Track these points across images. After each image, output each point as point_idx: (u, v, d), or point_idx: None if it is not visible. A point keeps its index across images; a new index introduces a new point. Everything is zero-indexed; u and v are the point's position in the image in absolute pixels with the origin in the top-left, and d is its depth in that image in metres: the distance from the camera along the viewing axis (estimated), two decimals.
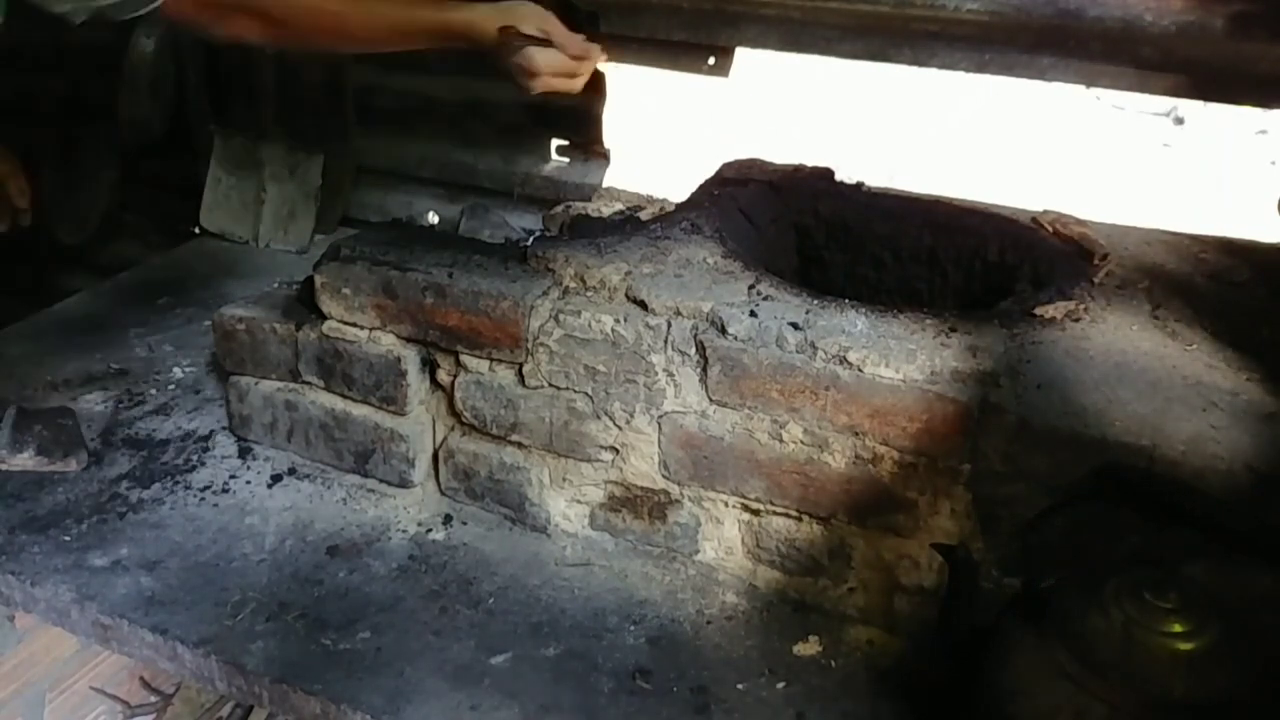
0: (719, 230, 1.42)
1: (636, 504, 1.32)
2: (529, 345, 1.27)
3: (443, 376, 1.37)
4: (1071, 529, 1.10)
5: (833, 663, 1.19)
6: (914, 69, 1.79)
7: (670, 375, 1.24)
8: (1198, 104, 1.69)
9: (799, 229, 1.61)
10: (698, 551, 1.32)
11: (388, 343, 1.36)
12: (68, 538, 1.32)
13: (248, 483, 1.44)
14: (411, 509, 1.40)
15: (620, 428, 1.28)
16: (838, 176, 1.64)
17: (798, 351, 1.17)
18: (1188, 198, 1.76)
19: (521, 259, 1.34)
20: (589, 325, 1.24)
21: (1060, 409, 1.10)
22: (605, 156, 2.09)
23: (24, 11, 1.23)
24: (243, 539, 1.34)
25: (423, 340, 1.34)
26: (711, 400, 1.23)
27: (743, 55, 1.92)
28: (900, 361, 1.14)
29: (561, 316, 1.25)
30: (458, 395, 1.35)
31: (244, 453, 1.49)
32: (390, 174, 2.28)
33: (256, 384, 1.47)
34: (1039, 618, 0.96)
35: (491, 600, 1.26)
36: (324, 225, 2.25)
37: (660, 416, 1.26)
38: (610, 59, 1.71)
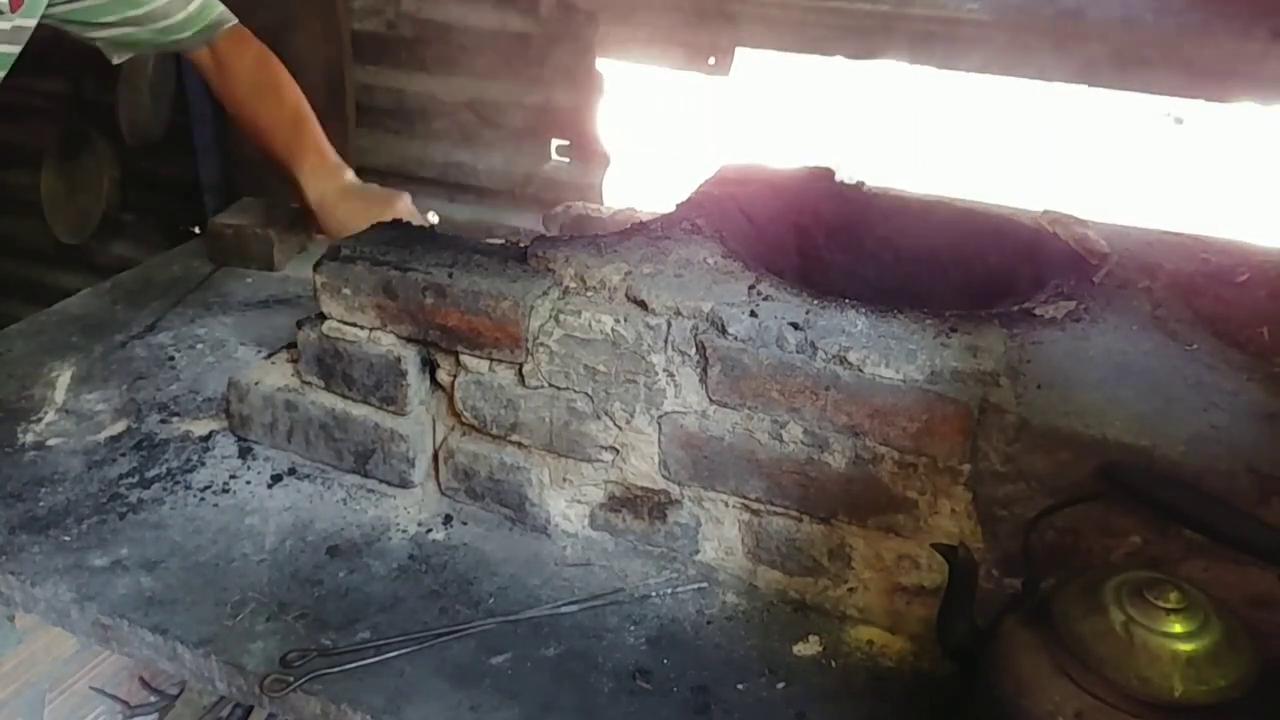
0: (719, 230, 1.42)
1: (636, 504, 1.32)
2: (529, 345, 1.27)
3: (443, 376, 1.37)
4: (1071, 529, 1.10)
5: (833, 663, 1.19)
6: (914, 69, 1.79)
7: (670, 375, 1.24)
8: (1198, 104, 1.69)
9: (799, 229, 1.61)
10: (698, 551, 1.32)
11: (388, 343, 1.36)
12: (68, 538, 1.32)
13: (248, 483, 1.44)
14: (411, 509, 1.40)
15: (620, 428, 1.28)
16: (838, 176, 1.64)
17: (798, 351, 1.17)
18: (1188, 198, 1.76)
19: (521, 259, 1.34)
20: (589, 325, 1.24)
21: (1060, 409, 1.10)
22: (605, 156, 2.09)
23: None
24: (243, 539, 1.34)
25: (423, 340, 1.34)
26: (711, 400, 1.23)
27: (743, 55, 1.92)
28: (900, 361, 1.14)
29: (561, 316, 1.26)
30: (458, 395, 1.35)
31: (244, 453, 1.49)
32: (390, 174, 2.28)
33: (256, 384, 1.47)
34: (1039, 618, 0.96)
35: (491, 600, 1.26)
36: None
37: (660, 416, 1.26)
38: (611, 57, 1.73)
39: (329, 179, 1.79)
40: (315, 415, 1.43)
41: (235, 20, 1.76)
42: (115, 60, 1.72)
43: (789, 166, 1.66)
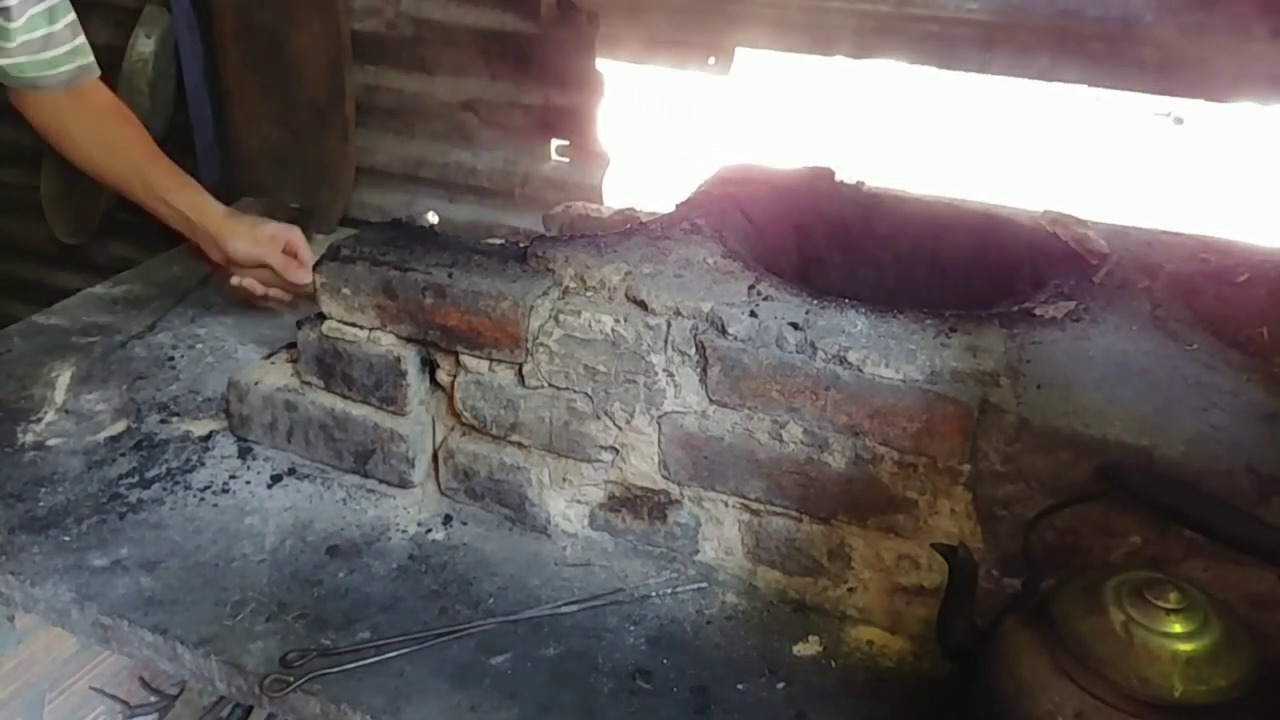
0: (719, 230, 1.42)
1: (636, 504, 1.32)
2: (529, 345, 1.27)
3: (443, 376, 1.37)
4: (1071, 529, 1.10)
5: (833, 663, 1.19)
6: (914, 69, 1.79)
7: (670, 375, 1.24)
8: (1198, 104, 1.69)
9: (799, 229, 1.61)
10: (698, 551, 1.32)
11: (388, 343, 1.36)
12: (68, 538, 1.32)
13: (248, 483, 1.44)
14: (411, 509, 1.40)
15: (620, 428, 1.28)
16: (838, 176, 1.64)
17: (798, 351, 1.17)
18: (1188, 198, 1.76)
19: (521, 259, 1.34)
20: (589, 325, 1.24)
21: (1060, 409, 1.10)
22: (605, 157, 2.09)
23: None
24: (243, 539, 1.34)
25: (423, 340, 1.34)
26: (711, 400, 1.23)
27: (743, 55, 1.92)
28: (900, 361, 1.14)
29: (561, 316, 1.26)
30: (458, 395, 1.35)
31: (244, 453, 1.49)
32: (390, 174, 2.28)
33: (256, 384, 1.47)
34: (1039, 618, 0.96)
35: (491, 600, 1.26)
36: (324, 225, 2.25)
37: (660, 416, 1.26)
38: (611, 57, 1.74)
39: (210, 198, 1.76)
40: (315, 415, 1.43)
41: (99, 73, 1.74)
42: None
43: (789, 166, 1.66)
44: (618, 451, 1.30)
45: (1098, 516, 1.09)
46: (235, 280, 1.74)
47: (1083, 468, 1.08)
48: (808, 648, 1.21)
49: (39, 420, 1.55)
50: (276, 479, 1.45)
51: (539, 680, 1.14)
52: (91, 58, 1.70)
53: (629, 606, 1.26)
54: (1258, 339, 1.25)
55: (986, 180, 1.80)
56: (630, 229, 1.41)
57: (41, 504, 1.37)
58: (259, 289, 1.75)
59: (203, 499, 1.40)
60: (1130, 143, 1.80)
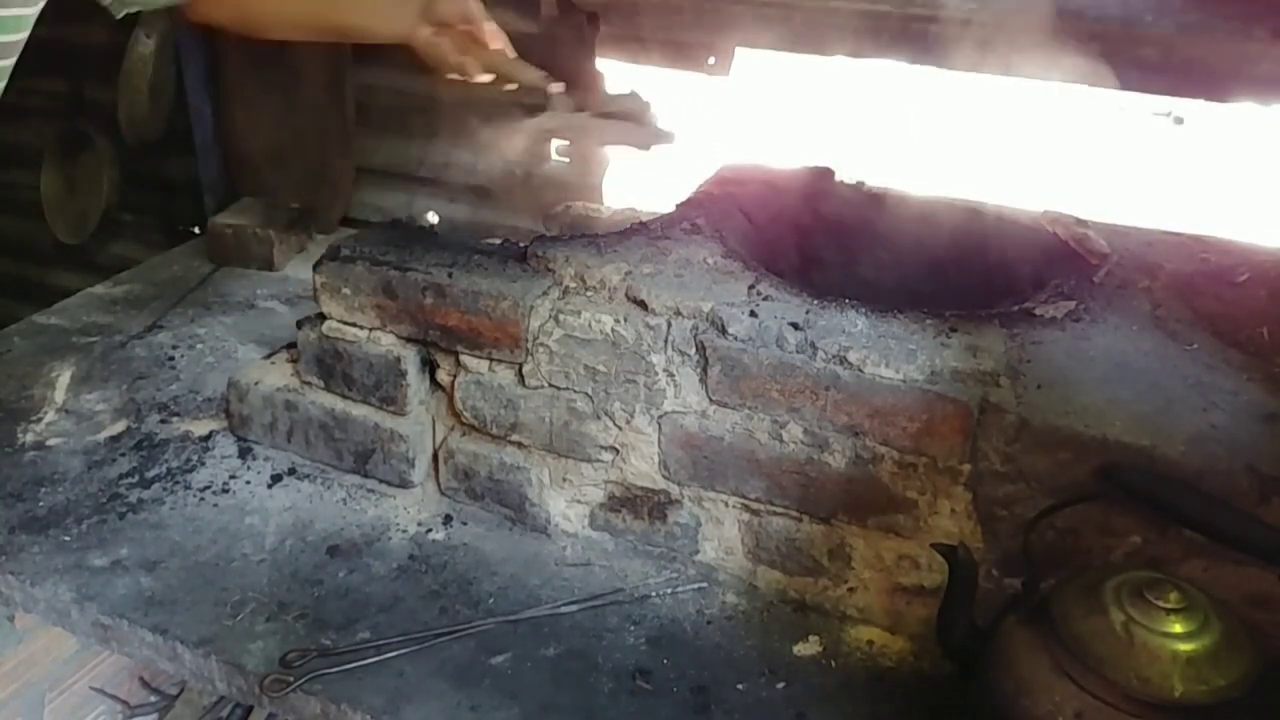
0: (719, 230, 1.42)
1: (636, 504, 1.32)
2: (529, 345, 1.27)
3: (443, 376, 1.37)
4: (1071, 529, 1.10)
5: (833, 663, 1.19)
6: (914, 69, 1.79)
7: (670, 375, 1.24)
8: (1198, 104, 1.69)
9: (799, 229, 1.61)
10: (698, 551, 1.32)
11: (388, 343, 1.36)
12: (68, 538, 1.32)
13: (248, 483, 1.44)
14: (411, 509, 1.40)
15: (620, 428, 1.28)
16: (838, 176, 1.64)
17: (798, 351, 1.17)
18: (1188, 198, 1.76)
19: (521, 259, 1.34)
20: (589, 325, 1.24)
21: (1060, 409, 1.10)
22: (605, 157, 2.09)
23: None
24: (243, 539, 1.34)
25: (423, 340, 1.34)
26: (711, 400, 1.23)
27: (743, 55, 1.92)
28: (900, 361, 1.14)
29: (561, 316, 1.26)
30: (458, 395, 1.35)
31: (244, 453, 1.49)
32: (390, 174, 2.28)
33: (256, 384, 1.47)
34: (1039, 618, 0.96)
35: (491, 600, 1.26)
36: (324, 225, 2.25)
37: (660, 416, 1.26)
38: (611, 57, 1.73)
39: None
40: (315, 415, 1.43)
41: None
42: (119, 15, 1.63)
43: (789, 166, 1.66)
44: (618, 451, 1.30)
45: (1098, 516, 1.09)
46: (428, 38, 1.50)
47: (1083, 468, 1.07)
48: (808, 648, 1.21)
49: (39, 420, 1.55)
50: (276, 479, 1.45)
51: (539, 680, 1.14)
52: None
53: (629, 606, 1.26)
54: (1258, 339, 1.25)
55: (986, 180, 1.80)
56: (630, 229, 1.41)
57: (41, 504, 1.38)
58: (454, 54, 1.54)
59: (203, 499, 1.40)
60: (1130, 143, 1.80)
